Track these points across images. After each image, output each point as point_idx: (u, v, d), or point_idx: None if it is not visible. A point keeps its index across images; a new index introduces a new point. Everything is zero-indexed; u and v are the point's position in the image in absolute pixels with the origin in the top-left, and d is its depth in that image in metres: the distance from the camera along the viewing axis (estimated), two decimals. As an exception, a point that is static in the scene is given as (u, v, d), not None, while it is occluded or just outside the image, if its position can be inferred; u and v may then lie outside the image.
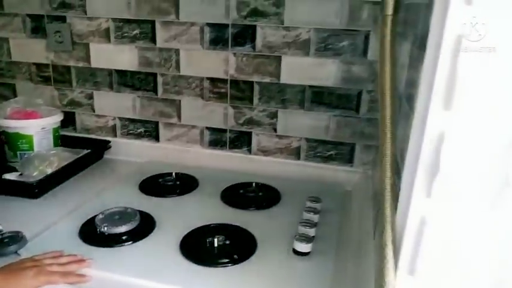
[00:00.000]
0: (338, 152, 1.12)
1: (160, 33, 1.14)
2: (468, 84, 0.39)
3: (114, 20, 1.16)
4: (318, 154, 1.14)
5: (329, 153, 1.13)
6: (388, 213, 0.49)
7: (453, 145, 0.41)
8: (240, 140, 1.18)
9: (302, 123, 1.12)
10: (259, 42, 1.07)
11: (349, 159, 1.12)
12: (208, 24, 1.09)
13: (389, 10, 0.46)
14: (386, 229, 0.49)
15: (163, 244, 0.81)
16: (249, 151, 1.18)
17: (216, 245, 0.79)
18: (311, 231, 0.83)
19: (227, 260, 0.76)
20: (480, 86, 0.38)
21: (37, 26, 1.23)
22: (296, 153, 1.15)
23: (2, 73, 1.31)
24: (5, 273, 0.66)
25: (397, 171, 0.51)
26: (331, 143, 1.12)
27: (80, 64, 1.23)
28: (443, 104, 0.41)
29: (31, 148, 1.09)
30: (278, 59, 1.08)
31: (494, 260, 0.44)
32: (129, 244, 0.80)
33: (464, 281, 0.46)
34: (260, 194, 1.03)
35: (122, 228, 0.82)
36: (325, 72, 1.06)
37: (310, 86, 1.08)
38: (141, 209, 0.90)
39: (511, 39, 0.38)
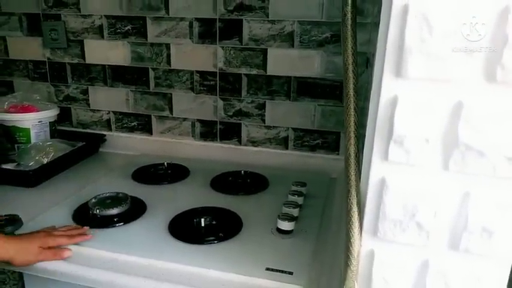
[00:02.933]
0: (324, 140, 1.16)
1: (151, 29, 1.18)
2: (415, 52, 0.43)
3: (107, 17, 1.20)
4: (305, 143, 1.18)
5: (315, 142, 1.17)
6: (353, 178, 0.53)
7: (405, 109, 0.45)
8: (230, 131, 1.22)
9: (289, 113, 1.16)
10: (245, 35, 1.12)
11: (334, 148, 1.17)
12: (197, 19, 1.14)
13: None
14: (351, 193, 0.52)
15: (153, 225, 0.85)
16: (239, 142, 1.22)
17: (203, 224, 0.83)
18: (295, 211, 0.86)
19: (213, 238, 0.80)
20: (425, 52, 0.42)
21: (33, 24, 1.27)
22: (284, 143, 1.19)
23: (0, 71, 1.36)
24: (18, 237, 0.74)
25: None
26: (317, 132, 1.16)
27: (75, 60, 1.28)
28: (395, 70, 0.45)
29: (28, 141, 1.14)
30: (264, 52, 1.12)
31: (449, 218, 0.48)
32: (120, 225, 0.84)
33: (423, 240, 0.50)
34: (248, 180, 1.07)
35: (114, 211, 0.86)
36: (309, 63, 1.10)
37: (296, 77, 1.12)
38: (132, 195, 0.94)
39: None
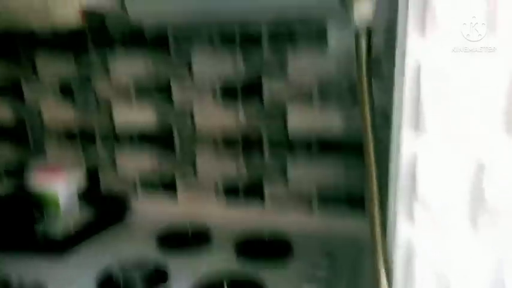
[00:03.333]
0: (350, 201, 1.13)
1: (176, 92, 1.22)
2: (431, 109, 0.41)
3: (134, 81, 1.26)
4: (330, 204, 1.14)
5: (341, 203, 1.13)
6: (379, 244, 0.49)
7: (427, 167, 0.43)
8: (253, 193, 1.21)
9: (312, 173, 1.14)
10: (266, 94, 1.13)
11: (362, 209, 1.12)
12: (219, 82, 1.17)
13: (363, 55, 0.50)
14: (379, 260, 0.49)
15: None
16: (262, 204, 1.20)
17: (225, 292, 0.80)
18: (321, 280, 0.82)
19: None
20: (442, 109, 0.41)
21: (66, 90, 1.33)
22: (308, 204, 1.16)
23: (33, 135, 1.41)
24: None
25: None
26: (343, 193, 1.13)
27: (104, 124, 1.32)
28: (414, 127, 0.43)
29: (56, 207, 1.15)
30: (284, 111, 1.13)
31: (483, 278, 0.44)
32: (142, 293, 0.82)
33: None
34: (272, 246, 1.04)
35: (138, 280, 0.85)
36: (331, 122, 1.09)
37: (317, 136, 1.11)
38: (157, 263, 0.93)
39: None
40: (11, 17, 1.00)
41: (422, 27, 0.41)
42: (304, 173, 1.15)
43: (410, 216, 0.45)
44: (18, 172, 1.43)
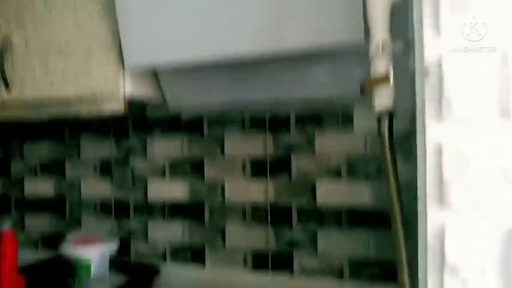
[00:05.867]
0: (382, 271, 1.12)
1: (208, 168, 1.29)
2: (455, 183, 0.45)
3: (169, 160, 1.34)
4: (362, 274, 1.14)
5: (373, 273, 1.13)
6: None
7: (454, 238, 0.46)
8: (282, 262, 1.22)
9: (342, 243, 1.15)
10: (294, 170, 1.19)
11: (394, 279, 1.11)
12: (249, 158, 1.24)
13: (385, 135, 0.56)
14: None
15: None
16: (291, 272, 1.20)
17: None
18: None
19: None
20: (465, 183, 0.45)
21: (105, 168, 1.43)
22: (339, 274, 1.16)
23: (71, 208, 1.49)
24: None
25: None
26: (373, 263, 1.13)
27: (138, 198, 1.39)
28: (439, 202, 0.47)
29: (89, 272, 1.19)
30: (313, 184, 1.17)
31: None
32: None
33: None
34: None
35: None
36: (358, 193, 1.13)
37: (346, 207, 1.15)
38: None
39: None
40: (63, 105, 1.11)
41: (440, 113, 0.46)
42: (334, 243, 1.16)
43: (441, 286, 0.47)
44: (55, 241, 1.49)
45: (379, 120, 0.58)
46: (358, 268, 1.14)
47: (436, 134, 0.46)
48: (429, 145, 0.46)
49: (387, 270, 1.12)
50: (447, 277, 0.47)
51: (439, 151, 0.46)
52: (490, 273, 0.45)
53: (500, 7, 0.42)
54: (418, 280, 0.51)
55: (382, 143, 0.57)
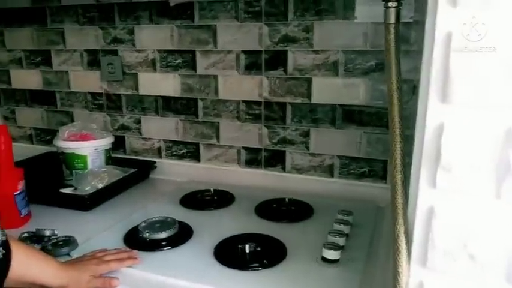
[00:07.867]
0: (371, 168, 1.15)
1: (200, 62, 1.24)
2: (460, 79, 0.43)
3: (159, 51, 1.28)
4: (351, 171, 1.17)
5: (362, 170, 1.16)
6: (400, 206, 0.52)
7: (453, 136, 0.45)
8: (275, 159, 1.24)
9: (334, 141, 1.16)
10: (290, 65, 1.15)
11: (382, 176, 1.14)
12: (244, 52, 1.18)
13: (392, 19, 0.51)
14: (399, 221, 0.52)
15: (199, 250, 0.86)
16: (283, 169, 1.23)
17: (247, 251, 0.84)
18: (340, 241, 0.85)
19: (257, 265, 0.80)
20: (471, 80, 0.42)
21: (93, 59, 1.38)
22: (329, 171, 1.19)
23: (62, 102, 1.47)
24: (72, 265, 0.77)
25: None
26: (363, 160, 1.15)
27: (129, 92, 1.36)
28: (441, 97, 0.44)
29: (85, 167, 1.21)
30: (309, 81, 1.14)
31: (504, 249, 0.46)
32: (168, 249, 0.87)
33: (476, 272, 0.48)
34: (293, 208, 1.07)
35: (162, 235, 0.89)
36: (354, 91, 1.10)
37: (341, 105, 1.13)
38: (180, 220, 0.97)
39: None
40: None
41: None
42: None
43: (433, 181, 0.47)
44: (49, 135, 1.50)
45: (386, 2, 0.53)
46: (348, 165, 1.17)
47: (447, 23, 0.42)
48: (438, 35, 0.42)
49: (376, 168, 1.14)
50: (440, 172, 0.46)
51: (449, 38, 0.42)
52: (483, 170, 0.45)
53: (500, 7, 0.40)
54: (410, 175, 0.51)
55: (388, 30, 0.53)
